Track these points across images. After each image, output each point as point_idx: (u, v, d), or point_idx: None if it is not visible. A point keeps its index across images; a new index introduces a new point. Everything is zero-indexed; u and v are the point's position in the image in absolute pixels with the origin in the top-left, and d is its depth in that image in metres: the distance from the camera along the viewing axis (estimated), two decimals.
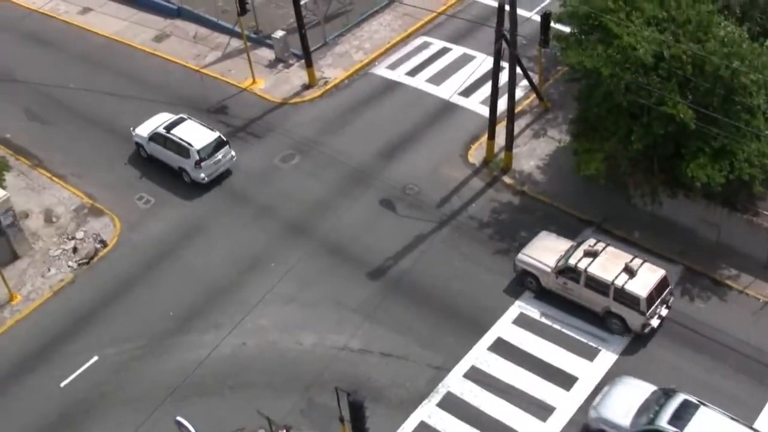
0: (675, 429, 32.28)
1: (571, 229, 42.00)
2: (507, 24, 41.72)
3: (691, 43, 37.92)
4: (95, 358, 38.93)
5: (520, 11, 42.65)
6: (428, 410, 35.78)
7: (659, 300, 37.17)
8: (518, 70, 44.51)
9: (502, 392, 36.16)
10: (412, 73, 52.99)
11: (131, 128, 48.92)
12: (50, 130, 52.11)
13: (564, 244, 39.92)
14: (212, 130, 47.20)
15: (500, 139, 45.67)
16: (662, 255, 40.55)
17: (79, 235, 44.90)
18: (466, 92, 50.69)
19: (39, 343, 39.98)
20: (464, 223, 43.13)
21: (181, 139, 46.47)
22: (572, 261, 38.12)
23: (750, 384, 35.86)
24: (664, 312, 37.82)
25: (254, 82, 53.07)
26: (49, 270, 43.35)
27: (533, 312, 38.92)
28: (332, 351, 38.08)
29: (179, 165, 46.88)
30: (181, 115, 48.28)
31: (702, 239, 41.22)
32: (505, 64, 43.59)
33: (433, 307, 39.41)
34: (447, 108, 50.01)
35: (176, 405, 36.37)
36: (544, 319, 38.61)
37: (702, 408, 33.09)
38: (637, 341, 37.35)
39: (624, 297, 36.86)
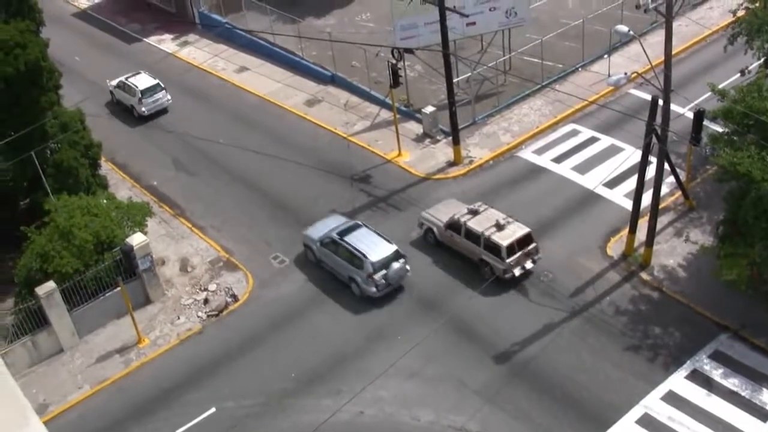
0: (338, 236, 44.92)
1: (706, 333, 40.71)
2: (659, 119, 41.12)
3: None
4: (212, 410, 39.28)
5: (673, 106, 41.96)
6: None
7: (521, 252, 43.91)
8: (666, 166, 43.73)
9: None
10: (558, 159, 52.68)
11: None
12: (195, 182, 53.51)
13: (460, 207, 46.77)
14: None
15: (641, 234, 44.82)
16: None
17: (212, 287, 45.67)
18: (611, 184, 49.98)
19: (161, 388, 40.70)
20: (596, 316, 42.21)
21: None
22: (456, 217, 45.37)
23: None
24: (529, 265, 44.37)
25: (400, 154, 53.48)
26: (179, 318, 44.16)
27: (659, 415, 37.62)
28: (449, 431, 37.52)
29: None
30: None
31: None
32: (653, 159, 42.88)
33: (556, 398, 38.47)
34: (590, 198, 49.39)
35: None
36: (669, 423, 37.25)
37: (362, 227, 45.42)
38: None
39: (490, 246, 43.94)
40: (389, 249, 44.31)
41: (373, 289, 43.77)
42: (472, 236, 44.67)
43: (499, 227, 44.24)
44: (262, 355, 41.83)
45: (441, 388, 39.29)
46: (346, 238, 45.04)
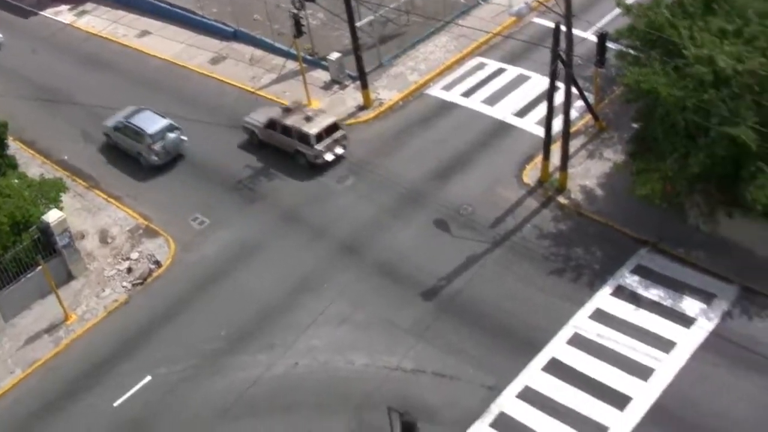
0: (125, 119, 51.20)
1: (626, 249, 41.55)
2: (563, 44, 41.42)
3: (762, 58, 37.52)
4: (148, 378, 39.04)
5: (576, 31, 42.37)
6: (480, 430, 35.31)
7: (330, 139, 48.59)
8: (574, 90, 44.12)
9: (555, 412, 35.54)
10: (467, 94, 52.91)
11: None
12: (106, 152, 52.69)
13: (276, 109, 51.24)
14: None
15: (555, 159, 45.35)
16: (719, 275, 39.87)
17: (134, 255, 45.24)
18: (521, 113, 50.49)
19: (93, 363, 40.26)
20: (518, 244, 42.73)
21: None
22: (272, 116, 49.98)
23: None
24: (339, 150, 49.11)
25: (309, 103, 53.15)
26: (104, 290, 43.70)
27: (588, 333, 38.38)
28: (384, 371, 37.81)
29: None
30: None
31: (760, 258, 40.29)
32: (560, 85, 43.16)
33: (486, 328, 38.98)
34: (502, 129, 49.78)
35: (229, 425, 36.60)
36: (599, 339, 38.03)
37: (146, 111, 51.60)
38: None
39: (302, 136, 48.56)
40: (164, 122, 51.16)
41: (155, 158, 50.53)
42: (286, 131, 49.23)
43: (308, 119, 49.02)
44: (191, 317, 41.64)
45: (372, 331, 39.54)
46: (131, 120, 51.64)
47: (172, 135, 50.66)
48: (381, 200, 46.09)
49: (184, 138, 51.13)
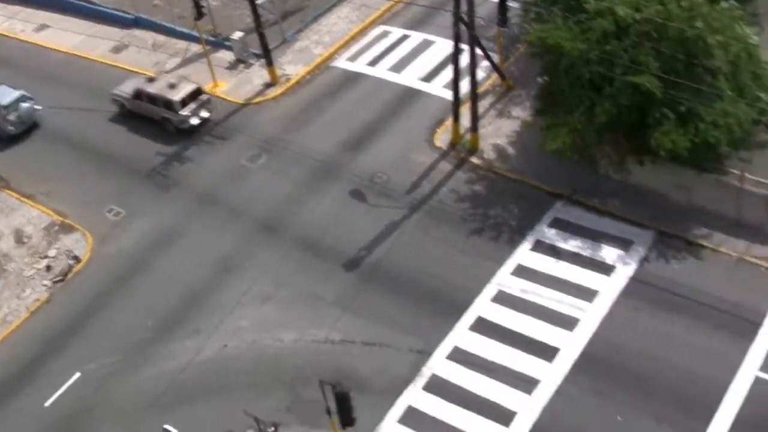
0: None
1: (542, 204, 42.22)
2: (464, 7, 41.62)
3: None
4: (77, 375, 38.58)
5: None
6: (414, 394, 35.67)
7: (195, 104, 50.06)
8: (478, 51, 44.43)
9: (486, 370, 36.10)
10: (373, 63, 53.01)
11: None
12: (15, 151, 51.76)
13: (141, 79, 52.45)
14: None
15: (465, 121, 45.65)
16: (634, 221, 40.71)
17: (52, 253, 44.59)
18: (428, 78, 50.81)
19: (20, 365, 39.62)
20: (435, 207, 43.06)
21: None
22: (138, 87, 51.14)
23: (729, 338, 36.03)
24: (205, 114, 50.53)
25: (216, 85, 52.87)
26: (24, 290, 43.02)
27: (512, 289, 38.92)
28: (313, 345, 37.94)
29: None
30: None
31: (672, 202, 41.28)
32: (465, 47, 43.42)
33: (411, 293, 39.31)
34: (410, 95, 50.01)
35: (163, 414, 36.30)
36: (523, 295, 38.59)
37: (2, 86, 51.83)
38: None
39: (166, 103, 49.87)
40: (17, 94, 52.44)
41: (11, 128, 52.10)
42: (152, 99, 50.61)
43: (172, 87, 50.39)
44: (116, 310, 41.17)
45: (298, 306, 39.61)
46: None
47: (25, 105, 52.34)
48: (295, 176, 46.02)
49: (38, 107, 53.03)
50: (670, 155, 38.92)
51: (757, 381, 34.62)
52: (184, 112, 49.56)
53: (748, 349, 35.68)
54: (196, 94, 50.31)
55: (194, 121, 50.04)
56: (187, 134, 49.76)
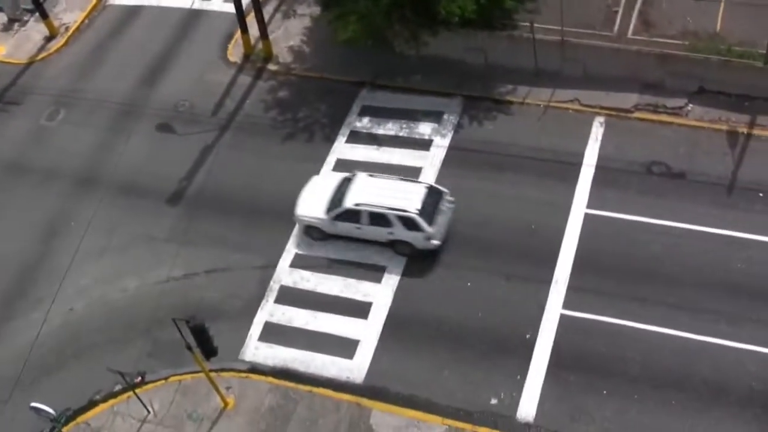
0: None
1: (348, 95, 42.76)
2: None
3: None
4: None
5: None
6: (269, 309, 36.18)
7: None
8: None
9: (332, 268, 36.92)
10: None
11: None
12: None
13: None
14: None
15: (254, 31, 45.27)
16: (440, 92, 41.65)
17: None
18: None
19: None
20: (244, 122, 43.02)
21: None
22: None
23: (555, 184, 37.68)
24: None
25: None
26: None
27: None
28: (158, 286, 37.78)
29: None
30: None
31: (472, 66, 42.33)
32: None
33: (240, 212, 39.46)
34: (194, 16, 49.25)
35: (27, 392, 35.46)
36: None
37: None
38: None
39: None
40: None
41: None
42: None
43: None
44: None
45: (134, 252, 39.22)
46: None
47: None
48: (98, 123, 44.89)
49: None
50: (461, 21, 39.71)
51: (587, 217, 36.54)
52: None
53: (574, 190, 37.48)
54: None
55: None
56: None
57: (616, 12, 41.71)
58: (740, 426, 30.47)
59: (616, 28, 41.06)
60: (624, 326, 33.28)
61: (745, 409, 30.78)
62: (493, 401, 32.33)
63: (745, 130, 38.27)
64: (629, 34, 40.83)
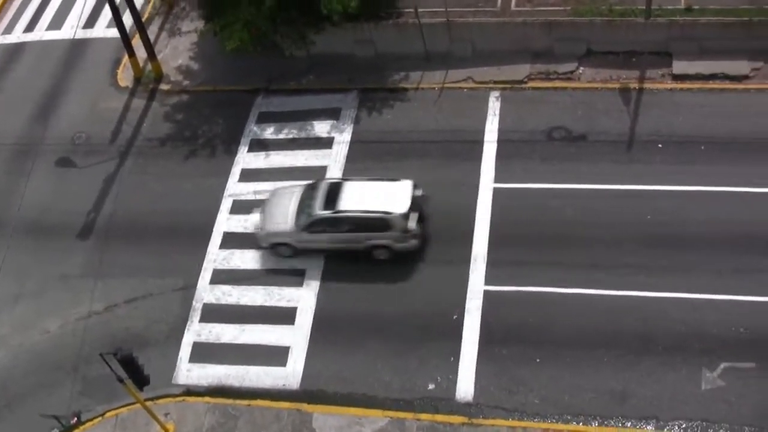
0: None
1: (244, 104, 42.59)
2: None
3: None
4: None
5: None
6: (195, 330, 35.85)
7: None
8: None
9: (252, 278, 36.72)
10: (30, 27, 50.75)
11: None
12: None
13: None
14: None
15: (141, 52, 44.85)
16: (335, 88, 41.83)
17: None
18: (90, 22, 49.40)
19: None
20: (144, 146, 42.49)
21: None
22: None
23: (462, 164, 38.13)
24: None
25: None
26: None
27: (246, 194, 39.27)
28: (80, 323, 37.12)
29: None
30: None
31: (363, 59, 42.55)
32: None
33: (153, 236, 39.02)
34: (79, 46, 48.48)
35: None
36: (257, 197, 38.87)
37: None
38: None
39: None
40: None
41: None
42: None
43: None
44: None
45: (51, 292, 38.45)
46: None
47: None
48: None
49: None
50: (345, 15, 39.85)
51: (497, 192, 36.97)
52: None
53: (480, 167, 37.88)
54: None
55: None
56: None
57: None
58: (671, 372, 31.13)
59: (499, 2, 41.48)
60: (548, 293, 33.74)
61: (673, 356, 31.44)
62: (431, 386, 32.53)
63: (636, 86, 39.05)
64: (513, 7, 41.27)
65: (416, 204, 35.38)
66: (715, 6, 39.04)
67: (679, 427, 30.12)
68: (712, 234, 34.13)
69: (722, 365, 30.99)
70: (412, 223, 34.81)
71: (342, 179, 36.92)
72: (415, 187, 35.62)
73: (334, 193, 35.68)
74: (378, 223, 34.77)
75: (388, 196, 35.22)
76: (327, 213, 35.13)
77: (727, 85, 38.59)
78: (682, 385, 30.87)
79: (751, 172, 35.43)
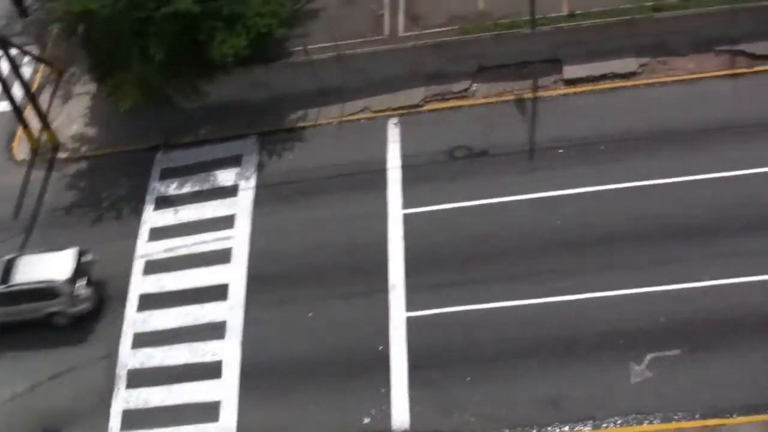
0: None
1: (144, 163, 42.19)
2: None
3: None
4: None
5: None
6: (123, 397, 35.16)
7: None
8: (12, 50, 43.18)
9: (173, 338, 36.18)
10: None
11: None
12: None
13: None
14: None
15: (35, 122, 44.31)
16: (234, 135, 41.82)
17: None
18: None
19: None
20: (48, 217, 41.71)
21: None
22: None
23: (367, 194, 38.27)
24: None
25: None
26: None
27: (157, 254, 38.77)
28: (4, 408, 36.05)
29: None
30: None
31: (258, 102, 42.55)
32: None
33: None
34: None
35: None
36: (170, 254, 38.57)
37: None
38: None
39: None
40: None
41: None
42: None
43: None
44: None
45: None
46: None
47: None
48: None
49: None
50: (236, 61, 39.91)
51: (407, 217, 37.18)
52: None
53: (386, 195, 38.08)
54: None
55: None
56: None
57: (382, 15, 42.66)
58: (600, 371, 31.46)
59: (386, 30, 41.94)
60: (469, 311, 33.87)
61: (600, 355, 31.79)
62: (366, 420, 32.36)
63: (530, 95, 39.69)
64: (401, 33, 41.75)
65: (82, 269, 37.32)
66: (597, 8, 39.92)
67: (615, 424, 30.45)
68: (622, 231, 34.69)
69: (648, 356, 31.47)
70: (80, 288, 36.81)
71: (17, 255, 38.38)
72: (81, 253, 37.59)
73: (7, 269, 37.57)
74: (46, 291, 36.65)
75: (52, 265, 37.32)
76: (1, 288, 36.94)
77: (618, 83, 39.46)
78: (612, 382, 31.20)
79: (650, 165, 36.15)
